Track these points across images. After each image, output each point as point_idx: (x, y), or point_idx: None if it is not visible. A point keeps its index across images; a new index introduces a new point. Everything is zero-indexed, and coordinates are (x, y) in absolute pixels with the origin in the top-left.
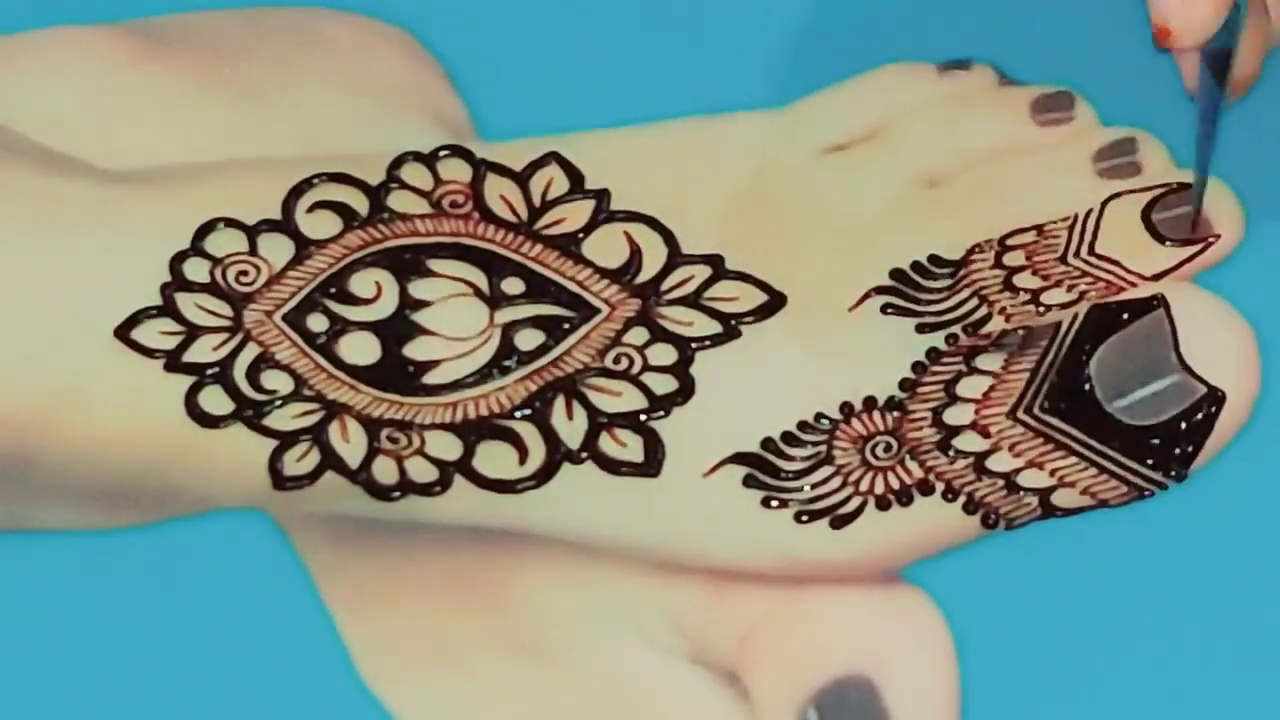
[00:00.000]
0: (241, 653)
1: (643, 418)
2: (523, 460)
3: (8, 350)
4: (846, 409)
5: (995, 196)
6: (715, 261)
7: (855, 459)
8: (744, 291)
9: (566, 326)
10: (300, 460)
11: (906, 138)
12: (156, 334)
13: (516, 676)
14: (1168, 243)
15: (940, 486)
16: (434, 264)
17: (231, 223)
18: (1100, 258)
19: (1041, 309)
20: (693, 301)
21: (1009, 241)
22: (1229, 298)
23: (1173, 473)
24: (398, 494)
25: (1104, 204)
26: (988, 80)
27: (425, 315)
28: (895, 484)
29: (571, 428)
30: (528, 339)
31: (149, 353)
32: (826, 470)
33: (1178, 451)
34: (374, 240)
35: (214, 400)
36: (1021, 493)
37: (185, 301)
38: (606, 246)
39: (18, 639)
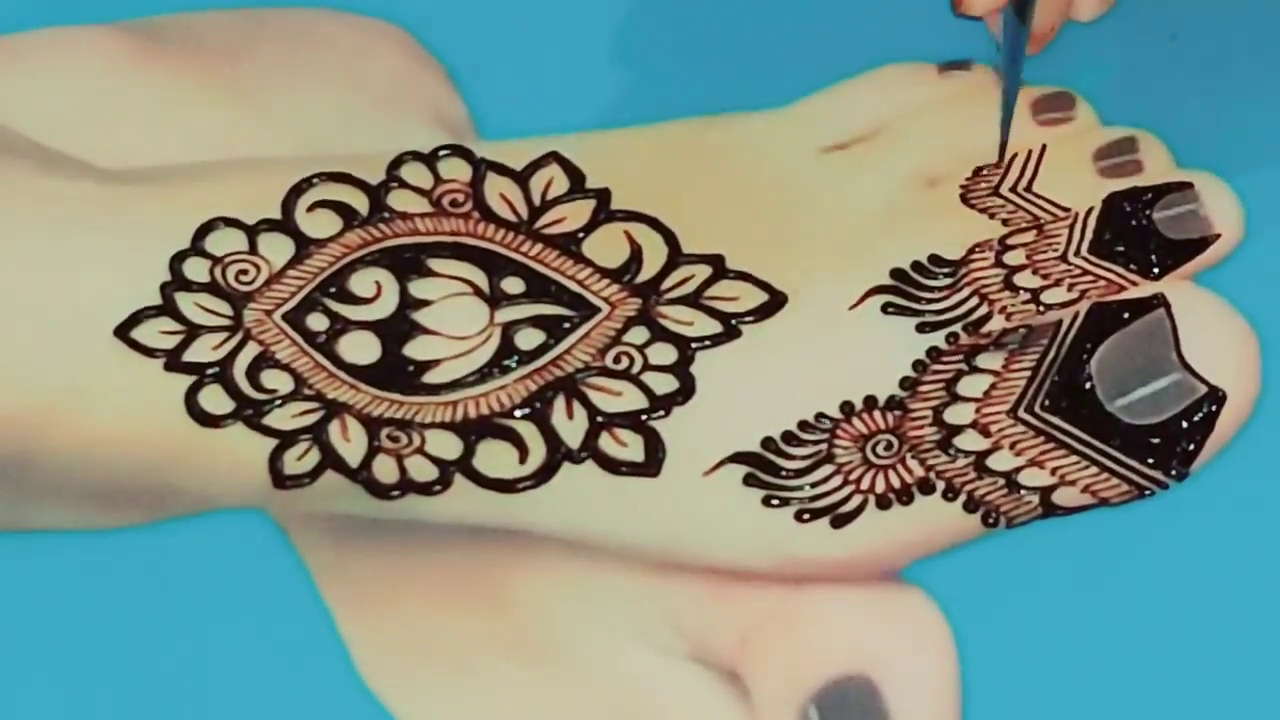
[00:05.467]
0: (241, 653)
1: (643, 417)
2: (523, 460)
3: (8, 350)
4: (847, 408)
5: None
6: (715, 261)
7: (856, 458)
8: (744, 291)
9: (567, 326)
10: (300, 459)
11: (906, 138)
12: (156, 333)
13: (516, 676)
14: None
15: (941, 485)
16: (434, 263)
17: (231, 222)
18: (1100, 256)
19: (1042, 308)
20: (693, 301)
21: (1009, 241)
22: (1229, 298)
23: (1173, 472)
24: (398, 493)
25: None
26: (988, 80)
27: (425, 314)
28: (896, 483)
29: (572, 427)
30: (528, 338)
31: (149, 352)
32: (827, 469)
33: (1178, 450)
34: (374, 239)
35: (214, 399)
36: (1022, 491)
37: (185, 301)
38: (607, 246)
39: (18, 639)
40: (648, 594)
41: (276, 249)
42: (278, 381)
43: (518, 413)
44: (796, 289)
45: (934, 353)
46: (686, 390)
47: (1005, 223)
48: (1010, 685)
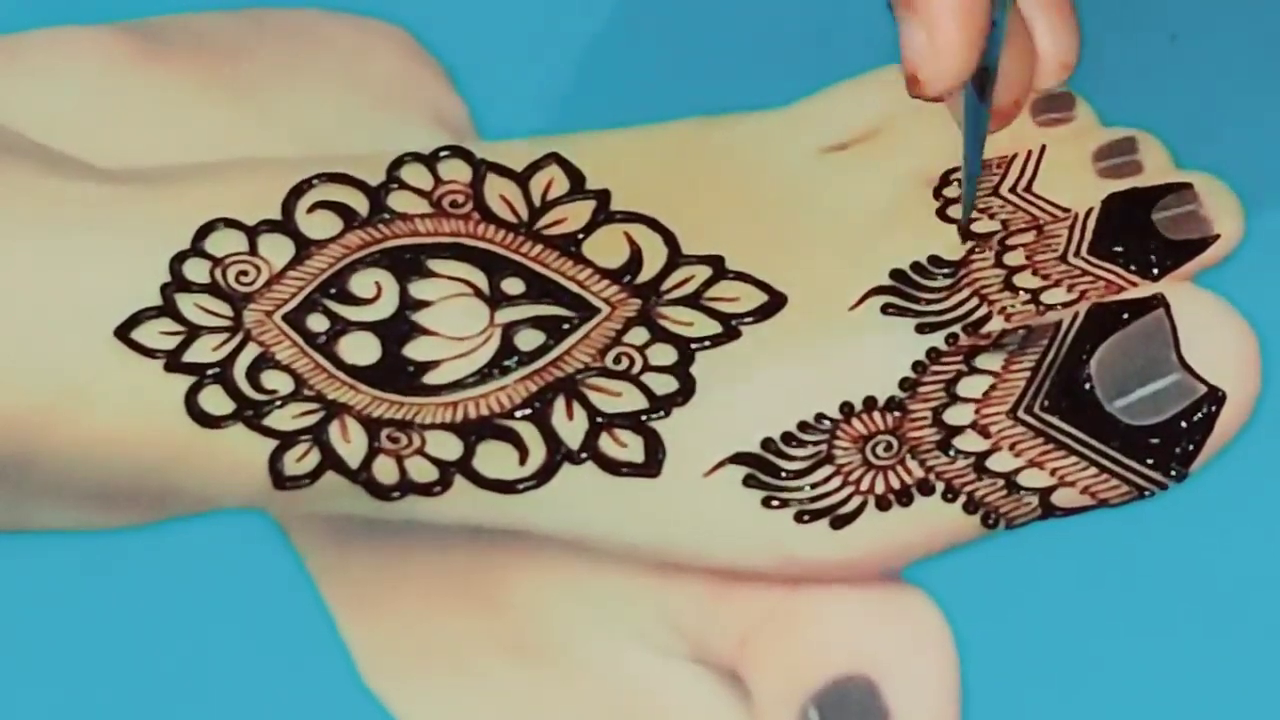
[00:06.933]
0: (242, 653)
1: (643, 418)
2: (523, 460)
3: (8, 350)
4: (847, 409)
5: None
6: (715, 262)
7: (856, 458)
8: (744, 292)
9: (567, 327)
10: (300, 460)
11: (906, 138)
12: (156, 334)
13: (516, 677)
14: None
15: (940, 486)
16: (434, 264)
17: (231, 223)
18: (1099, 257)
19: (1041, 308)
20: (693, 302)
21: (1009, 241)
22: (1229, 298)
23: (1173, 472)
24: (398, 494)
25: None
26: None
27: (425, 315)
28: (895, 483)
29: (571, 428)
30: (528, 339)
31: (149, 353)
32: (827, 470)
33: (1178, 451)
34: (374, 240)
35: (214, 400)
36: (1022, 492)
37: (185, 301)
38: (607, 247)
39: (18, 639)
40: (647, 594)
41: (277, 250)
42: (278, 382)
43: (518, 413)
44: (796, 289)
45: (933, 353)
46: (686, 391)
47: (1005, 223)
48: (1010, 685)
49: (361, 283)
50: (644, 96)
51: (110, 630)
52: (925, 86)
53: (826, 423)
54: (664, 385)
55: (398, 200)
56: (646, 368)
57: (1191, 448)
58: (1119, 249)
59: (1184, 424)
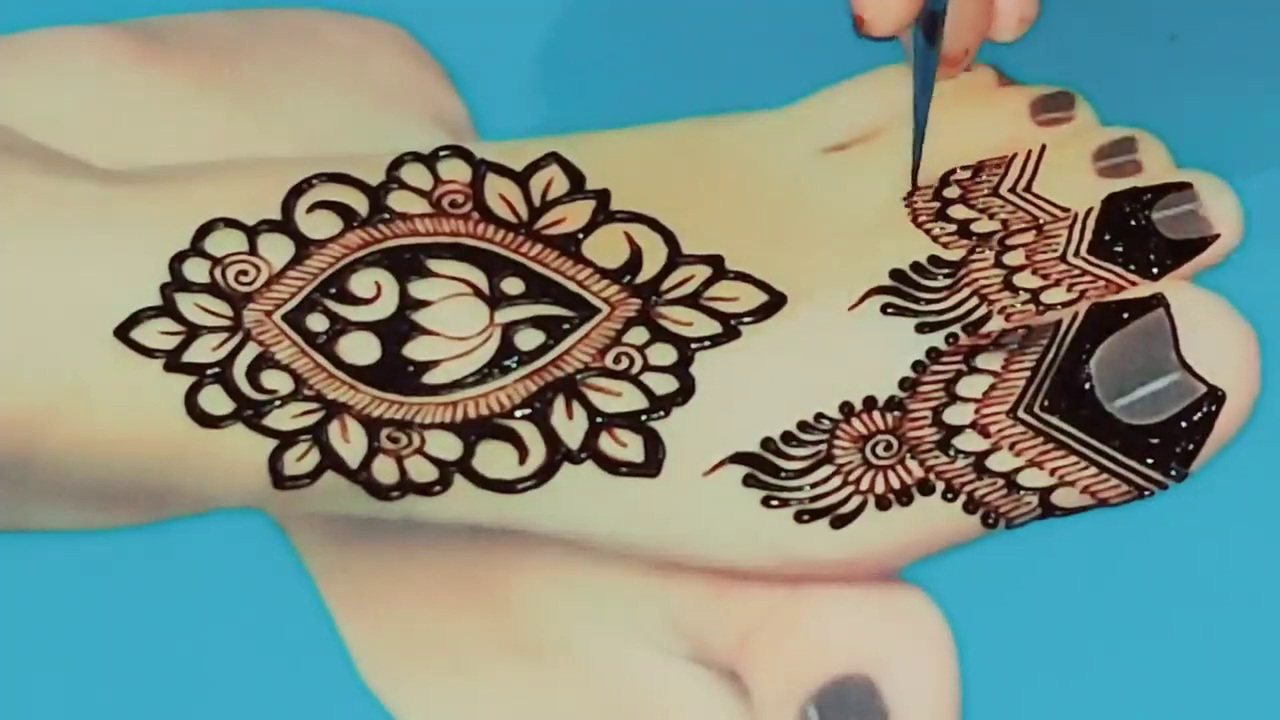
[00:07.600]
0: (241, 653)
1: (643, 418)
2: (523, 460)
3: (8, 350)
4: (846, 408)
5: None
6: (715, 261)
7: (855, 458)
8: (744, 291)
9: (566, 326)
10: (300, 460)
11: (906, 138)
12: (156, 334)
13: (516, 676)
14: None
15: (940, 486)
16: (434, 264)
17: (231, 223)
18: (1099, 256)
19: (1041, 308)
20: (693, 301)
21: (1009, 241)
22: (1229, 298)
23: (1173, 472)
24: (398, 493)
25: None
26: (988, 80)
27: (425, 315)
28: (895, 483)
29: (571, 427)
30: (528, 339)
31: (149, 353)
32: (827, 470)
33: (1178, 450)
34: (374, 240)
35: (214, 400)
36: (1021, 492)
37: (185, 301)
38: (606, 246)
39: (18, 639)
40: (648, 594)
41: (276, 250)
42: (277, 382)
43: (518, 413)
44: (796, 289)
45: (933, 353)
46: (686, 390)
47: (1004, 223)
48: (1010, 685)
49: (361, 282)
50: (644, 96)
51: (110, 630)
52: (870, 25)
53: (826, 422)
54: (664, 385)
55: (397, 200)
56: (646, 367)
57: (1191, 447)
58: (1119, 249)
59: (1184, 424)
